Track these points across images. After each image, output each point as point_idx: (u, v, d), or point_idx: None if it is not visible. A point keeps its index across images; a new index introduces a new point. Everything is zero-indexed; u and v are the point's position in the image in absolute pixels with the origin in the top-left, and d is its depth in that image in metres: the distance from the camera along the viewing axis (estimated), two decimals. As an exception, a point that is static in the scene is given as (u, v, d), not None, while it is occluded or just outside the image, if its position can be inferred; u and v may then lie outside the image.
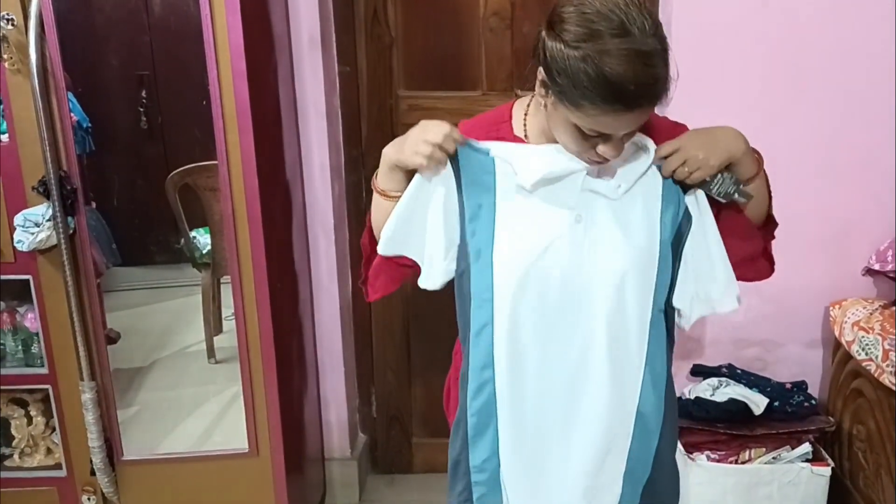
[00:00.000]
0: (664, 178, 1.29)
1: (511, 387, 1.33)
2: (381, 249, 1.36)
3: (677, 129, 1.39)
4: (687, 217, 1.31)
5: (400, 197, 1.32)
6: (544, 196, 1.27)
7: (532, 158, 1.26)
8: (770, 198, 1.38)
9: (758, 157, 1.32)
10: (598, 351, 1.30)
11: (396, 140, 1.31)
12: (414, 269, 1.39)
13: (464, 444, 1.40)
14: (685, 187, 1.30)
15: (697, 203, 1.32)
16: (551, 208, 1.27)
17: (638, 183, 1.28)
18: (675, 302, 1.35)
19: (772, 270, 1.44)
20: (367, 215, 1.42)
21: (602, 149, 1.19)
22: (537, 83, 1.22)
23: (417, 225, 1.33)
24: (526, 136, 1.33)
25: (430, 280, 1.37)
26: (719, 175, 1.27)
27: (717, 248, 1.33)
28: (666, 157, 1.27)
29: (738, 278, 1.36)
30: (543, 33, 1.17)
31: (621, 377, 1.32)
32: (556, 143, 1.25)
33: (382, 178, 1.34)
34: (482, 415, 1.35)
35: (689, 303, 1.36)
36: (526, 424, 1.34)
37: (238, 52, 1.93)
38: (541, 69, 1.19)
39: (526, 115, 1.34)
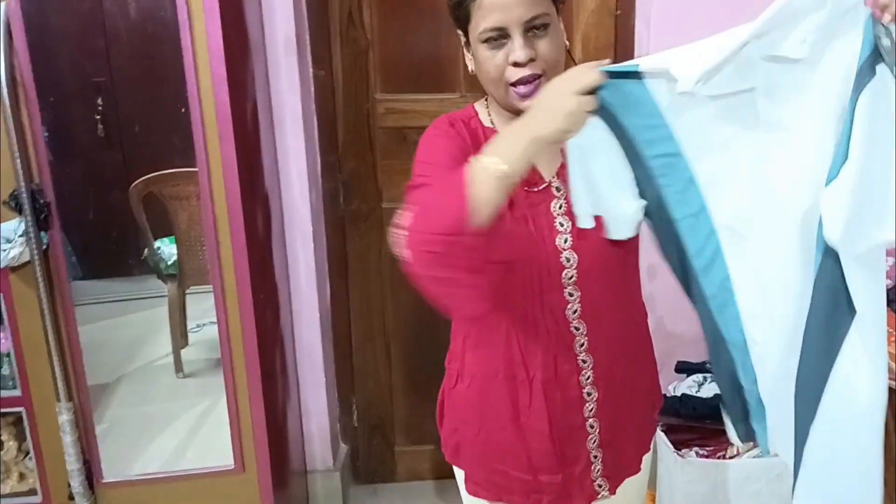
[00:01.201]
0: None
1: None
2: (587, 223, 1.24)
3: None
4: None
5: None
6: (717, 99, 1.11)
7: (686, 54, 1.10)
8: None
9: None
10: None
11: (528, 120, 1.13)
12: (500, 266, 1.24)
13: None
14: None
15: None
16: (731, 108, 1.12)
17: (827, 40, 1.05)
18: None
19: None
20: (417, 215, 1.12)
21: (513, 55, 1.22)
22: (463, 50, 1.33)
23: (599, 182, 1.22)
24: (492, 123, 1.36)
25: (624, 229, 1.24)
26: None
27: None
28: None
29: None
30: None
31: None
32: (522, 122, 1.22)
33: (518, 161, 1.09)
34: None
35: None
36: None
37: (218, 57, 1.88)
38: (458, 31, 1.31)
39: (488, 108, 1.37)
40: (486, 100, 1.38)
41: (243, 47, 2.09)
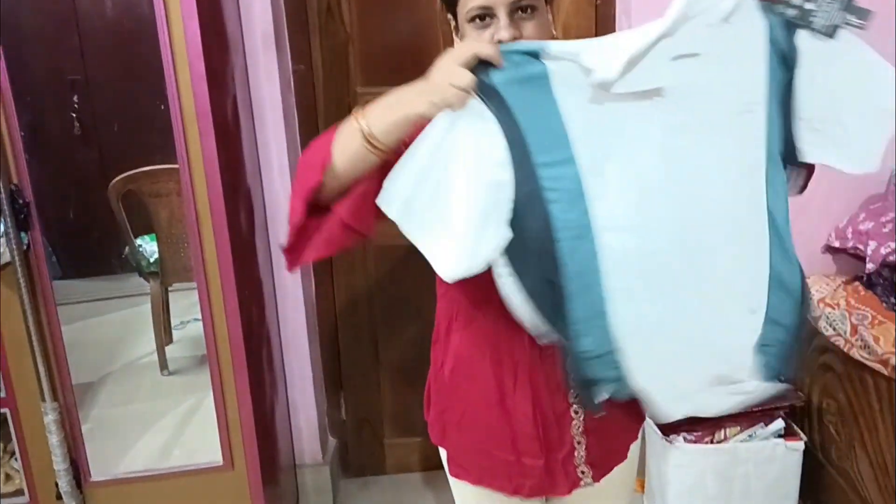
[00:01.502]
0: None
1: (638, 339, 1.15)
2: (398, 216, 1.07)
3: None
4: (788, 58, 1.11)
5: (386, 153, 1.09)
6: (626, 95, 1.06)
7: (603, 45, 1.05)
8: None
9: None
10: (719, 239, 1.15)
11: (411, 88, 1.09)
12: (360, 236, 1.16)
13: None
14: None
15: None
16: (637, 104, 1.08)
17: (728, 32, 1.07)
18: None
19: None
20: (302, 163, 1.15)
21: (497, 34, 1.20)
22: (452, 35, 1.30)
23: (442, 186, 1.06)
24: None
25: (458, 266, 1.07)
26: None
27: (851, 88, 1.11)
28: None
29: None
30: None
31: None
32: None
33: (384, 130, 1.07)
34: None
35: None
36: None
37: (196, 53, 1.86)
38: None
39: None
40: None
41: (221, 43, 2.08)
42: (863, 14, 1.05)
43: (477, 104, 1.06)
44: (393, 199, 1.07)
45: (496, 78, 1.06)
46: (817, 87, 1.11)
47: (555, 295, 1.12)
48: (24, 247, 1.94)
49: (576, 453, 1.41)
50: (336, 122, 2.51)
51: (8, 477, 2.20)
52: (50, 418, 2.04)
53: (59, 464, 2.08)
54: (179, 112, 1.91)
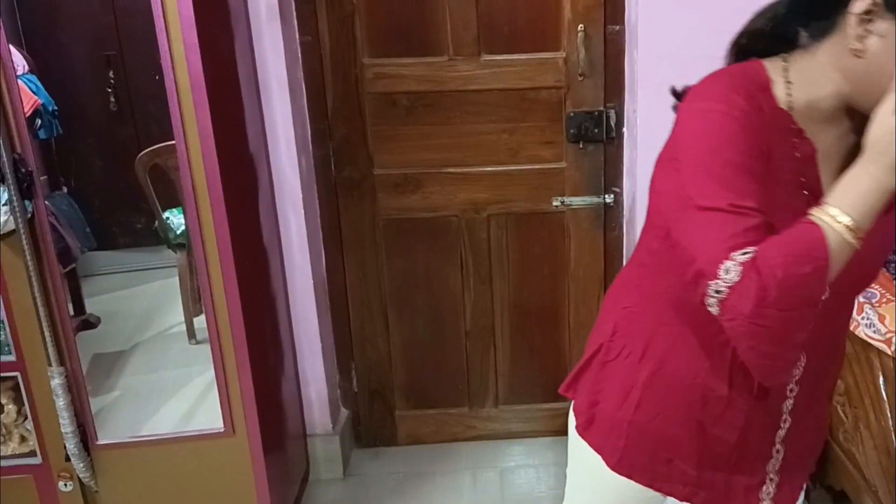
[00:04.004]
0: None
1: None
2: None
3: None
4: None
5: None
6: None
7: None
8: None
9: None
10: None
11: (878, 166, 0.96)
12: None
13: None
14: None
15: None
16: None
17: None
18: None
19: None
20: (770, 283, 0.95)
21: None
22: (853, 24, 1.00)
23: None
24: (791, 107, 1.09)
25: None
26: None
27: None
28: None
29: None
30: None
31: None
32: (830, 117, 1.07)
33: (867, 216, 0.96)
34: None
35: None
36: None
37: (189, 24, 1.87)
38: (857, 2, 0.99)
39: (789, 83, 1.10)
40: (786, 69, 1.10)
41: (221, 14, 2.09)
42: None
43: None
44: None
45: None
46: None
47: None
48: (28, 215, 1.99)
49: (763, 489, 1.32)
50: (344, 93, 2.52)
51: (23, 439, 2.27)
52: (56, 382, 2.10)
53: (67, 426, 2.14)
54: (174, 83, 1.93)
